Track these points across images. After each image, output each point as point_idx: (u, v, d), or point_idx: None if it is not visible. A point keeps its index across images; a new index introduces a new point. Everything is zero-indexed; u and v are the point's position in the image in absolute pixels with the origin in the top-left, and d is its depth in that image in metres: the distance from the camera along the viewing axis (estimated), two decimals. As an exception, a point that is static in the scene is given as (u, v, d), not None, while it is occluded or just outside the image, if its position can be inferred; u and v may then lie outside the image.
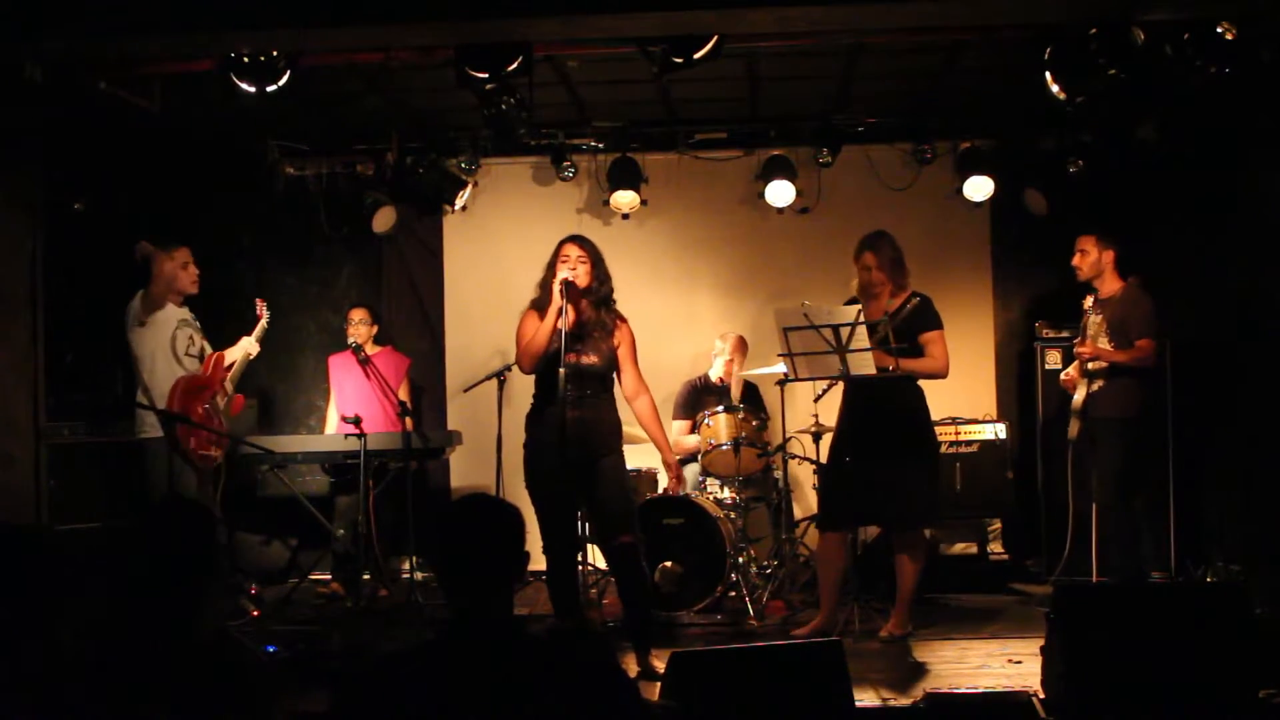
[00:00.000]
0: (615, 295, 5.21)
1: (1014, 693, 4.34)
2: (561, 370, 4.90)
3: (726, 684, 3.68)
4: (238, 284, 7.99)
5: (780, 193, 7.49)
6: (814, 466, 6.48)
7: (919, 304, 5.63)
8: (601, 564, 6.44)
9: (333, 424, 7.25)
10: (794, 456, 6.89)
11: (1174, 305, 6.41)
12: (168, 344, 5.89)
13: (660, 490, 6.75)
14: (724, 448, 6.51)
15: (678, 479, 5.44)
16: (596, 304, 5.11)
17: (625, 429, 5.26)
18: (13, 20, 4.65)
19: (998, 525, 7.01)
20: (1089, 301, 6.12)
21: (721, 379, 7.20)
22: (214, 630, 2.69)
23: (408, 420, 6.59)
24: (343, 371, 7.25)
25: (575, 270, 5.03)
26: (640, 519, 5.30)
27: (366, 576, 6.77)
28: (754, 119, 7.64)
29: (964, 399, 7.16)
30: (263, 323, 6.44)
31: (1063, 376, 6.39)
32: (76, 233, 6.55)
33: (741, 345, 7.24)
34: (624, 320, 5.22)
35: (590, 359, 5.07)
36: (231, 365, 6.18)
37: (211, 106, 5.95)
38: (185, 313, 6.05)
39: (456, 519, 2.52)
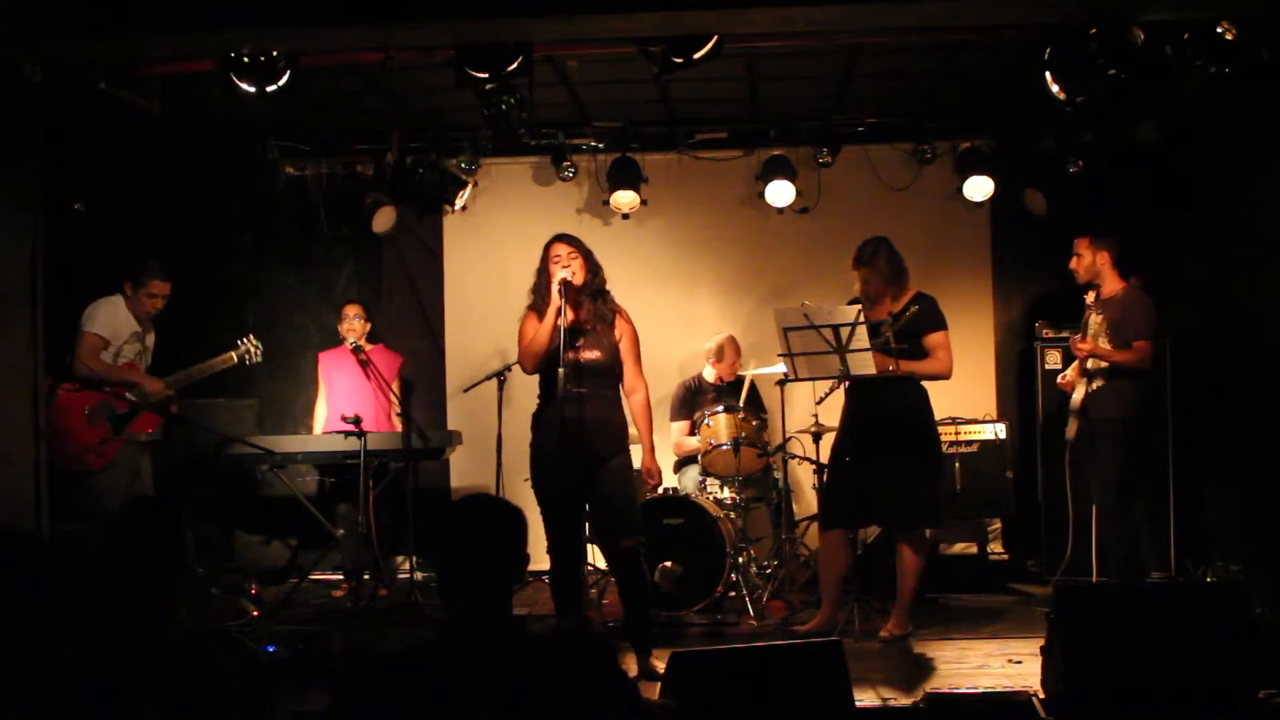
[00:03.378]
0: (615, 295, 5.21)
1: (1014, 693, 4.35)
2: (561, 370, 4.88)
3: (726, 684, 3.68)
4: (238, 284, 8.01)
5: (780, 193, 7.48)
6: (814, 466, 6.48)
7: (923, 306, 5.63)
8: (601, 564, 6.45)
9: (321, 420, 7.23)
10: (794, 456, 6.89)
11: (1174, 305, 6.41)
12: (113, 351, 5.98)
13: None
14: (724, 448, 6.50)
15: (653, 481, 5.39)
16: (593, 296, 5.10)
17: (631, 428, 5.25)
18: (13, 20, 4.65)
19: (998, 525, 7.01)
20: (1090, 298, 6.13)
21: (720, 379, 7.20)
22: (189, 631, 2.67)
23: (400, 419, 6.57)
24: (334, 368, 7.23)
25: (570, 268, 5.02)
26: (640, 519, 5.30)
27: (366, 576, 6.78)
28: (754, 119, 7.63)
29: (964, 399, 7.14)
30: (216, 365, 6.38)
31: (1060, 379, 6.40)
32: (76, 233, 6.54)
33: (733, 346, 7.22)
34: (624, 312, 5.20)
35: (592, 354, 5.04)
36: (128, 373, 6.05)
37: (211, 106, 5.94)
38: (138, 326, 6.08)
39: (459, 519, 2.52)
